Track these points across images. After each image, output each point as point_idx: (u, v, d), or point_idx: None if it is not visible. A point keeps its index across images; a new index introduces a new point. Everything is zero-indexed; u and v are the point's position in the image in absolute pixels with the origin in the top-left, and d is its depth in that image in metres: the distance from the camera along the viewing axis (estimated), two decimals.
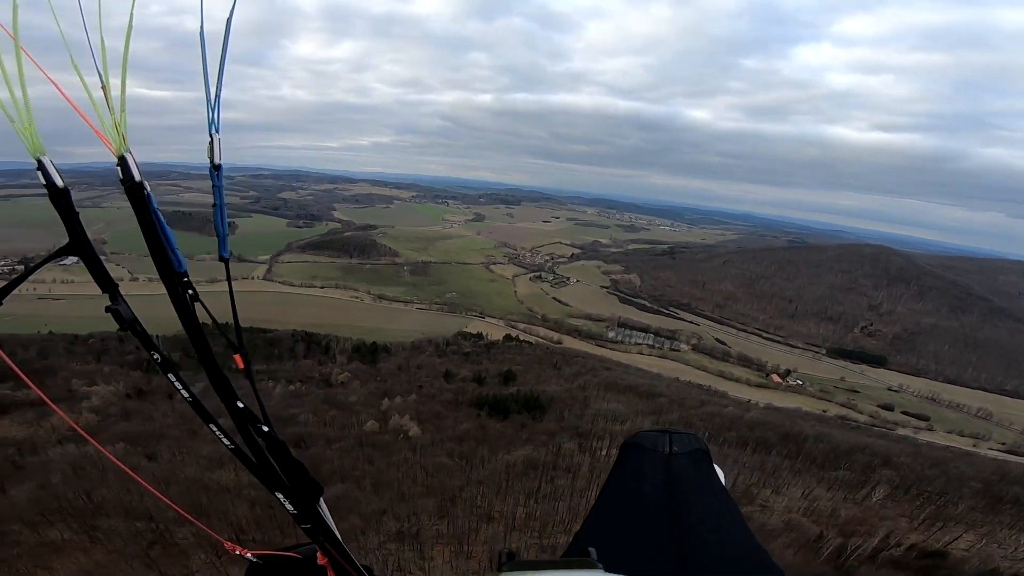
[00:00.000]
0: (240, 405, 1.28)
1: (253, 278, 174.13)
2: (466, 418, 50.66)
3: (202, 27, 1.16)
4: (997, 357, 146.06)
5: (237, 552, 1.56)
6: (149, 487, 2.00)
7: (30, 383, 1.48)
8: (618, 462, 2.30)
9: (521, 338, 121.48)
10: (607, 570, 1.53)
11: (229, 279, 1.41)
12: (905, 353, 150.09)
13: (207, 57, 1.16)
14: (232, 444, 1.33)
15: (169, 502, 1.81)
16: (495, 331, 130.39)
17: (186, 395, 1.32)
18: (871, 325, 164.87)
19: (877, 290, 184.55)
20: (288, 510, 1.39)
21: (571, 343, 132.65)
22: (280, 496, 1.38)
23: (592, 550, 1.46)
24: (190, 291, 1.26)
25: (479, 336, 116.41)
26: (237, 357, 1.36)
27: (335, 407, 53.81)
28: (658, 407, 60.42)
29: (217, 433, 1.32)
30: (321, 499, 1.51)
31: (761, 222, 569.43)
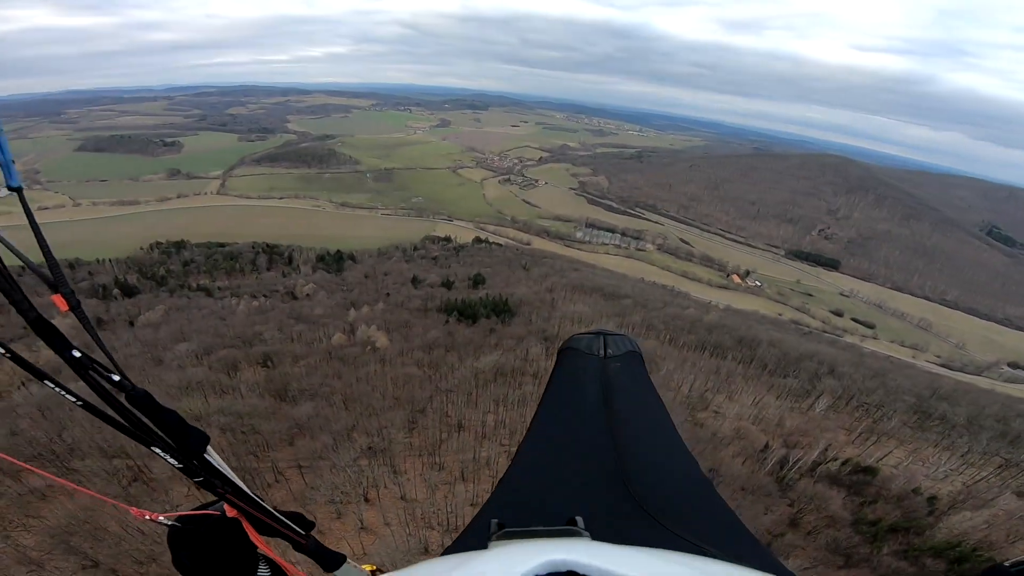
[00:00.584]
0: (76, 354, 1.12)
1: (205, 194, 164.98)
2: (434, 325, 50.86)
3: None
4: (942, 267, 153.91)
5: (146, 517, 1.40)
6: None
7: None
8: (556, 365, 2.32)
9: (491, 240, 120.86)
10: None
11: (27, 210, 1.19)
12: (858, 257, 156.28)
13: None
14: (79, 400, 1.16)
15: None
16: (464, 234, 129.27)
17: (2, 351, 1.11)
18: (828, 228, 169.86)
19: (836, 197, 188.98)
20: (172, 464, 1.26)
21: (540, 244, 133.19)
22: (158, 451, 1.23)
23: (579, 519, 1.43)
24: None
25: (447, 239, 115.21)
26: (56, 298, 1.11)
27: (301, 321, 53.09)
28: (623, 308, 61.99)
29: (56, 389, 1.15)
30: (208, 446, 1.33)
31: (729, 130, 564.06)
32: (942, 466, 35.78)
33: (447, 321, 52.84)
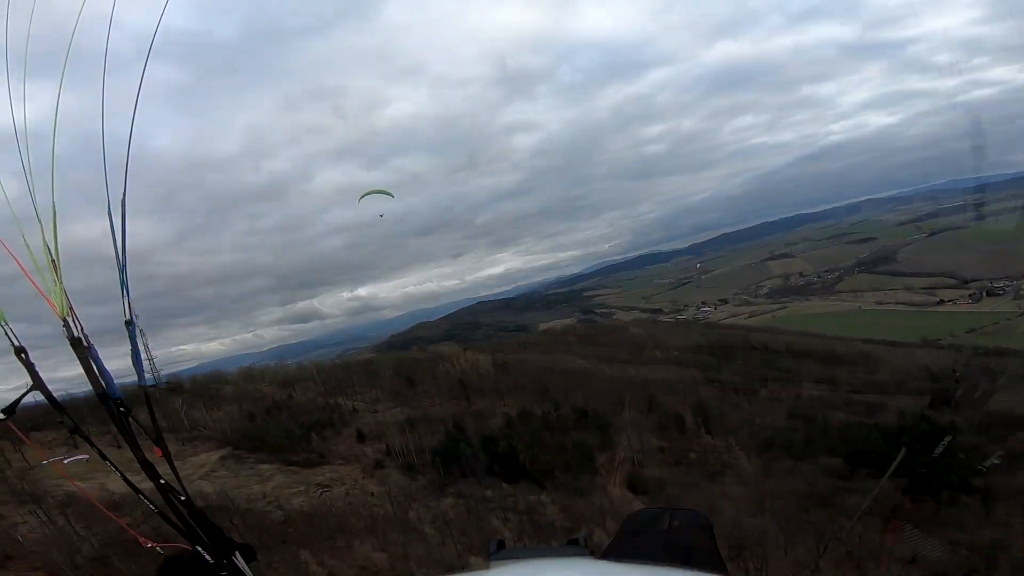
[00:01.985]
0: (162, 481, 1.88)
1: None
2: None
3: (111, 215, 1.87)
4: None
5: (149, 545, 2.03)
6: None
7: None
8: (611, 542, 2.17)
9: None
10: None
11: (148, 400, 2.08)
12: None
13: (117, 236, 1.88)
14: (156, 508, 1.89)
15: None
16: None
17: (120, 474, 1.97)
18: None
19: None
20: (207, 561, 1.79)
21: None
22: (199, 549, 1.81)
23: (581, 537, 1.59)
24: (122, 409, 1.87)
25: None
26: (157, 450, 1.92)
27: None
28: None
29: (145, 501, 1.90)
30: (237, 553, 1.88)
31: None
32: None
33: None
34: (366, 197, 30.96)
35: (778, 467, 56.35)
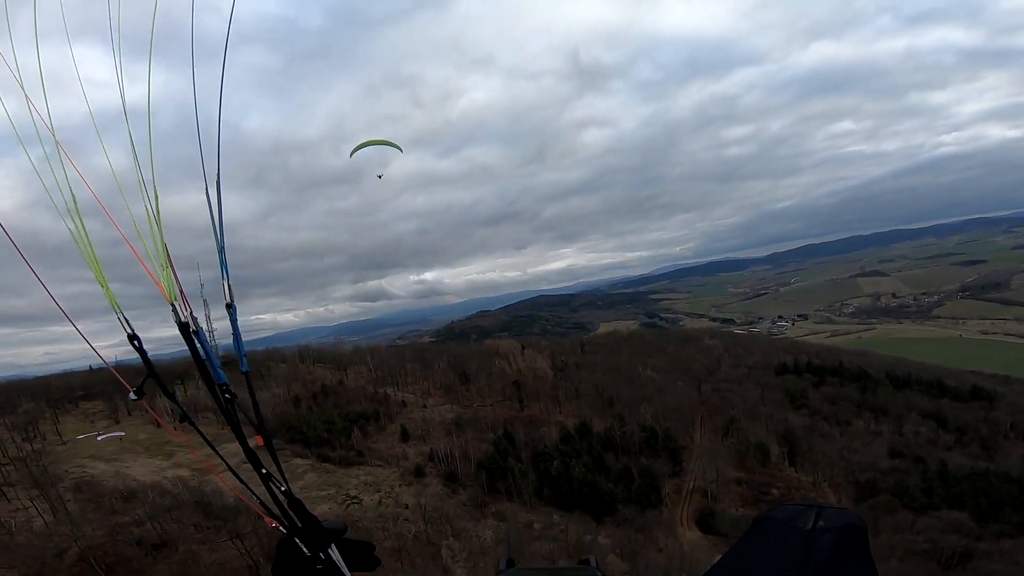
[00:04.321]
0: (263, 471, 1.89)
1: None
2: None
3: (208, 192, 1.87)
4: None
5: (273, 526, 1.96)
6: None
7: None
8: (741, 538, 1.84)
9: None
10: None
11: (250, 386, 2.02)
12: None
13: (215, 212, 1.90)
14: (258, 497, 1.89)
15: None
16: None
17: (226, 464, 2.05)
18: None
19: None
20: (303, 552, 1.83)
21: None
22: (297, 540, 1.85)
23: (592, 558, 1.52)
24: (227, 395, 1.89)
25: None
26: (259, 438, 1.92)
27: None
28: None
29: (251, 492, 1.92)
30: (333, 546, 1.90)
31: None
32: None
33: None
34: (365, 148, 25.09)
35: (889, 519, 46.98)
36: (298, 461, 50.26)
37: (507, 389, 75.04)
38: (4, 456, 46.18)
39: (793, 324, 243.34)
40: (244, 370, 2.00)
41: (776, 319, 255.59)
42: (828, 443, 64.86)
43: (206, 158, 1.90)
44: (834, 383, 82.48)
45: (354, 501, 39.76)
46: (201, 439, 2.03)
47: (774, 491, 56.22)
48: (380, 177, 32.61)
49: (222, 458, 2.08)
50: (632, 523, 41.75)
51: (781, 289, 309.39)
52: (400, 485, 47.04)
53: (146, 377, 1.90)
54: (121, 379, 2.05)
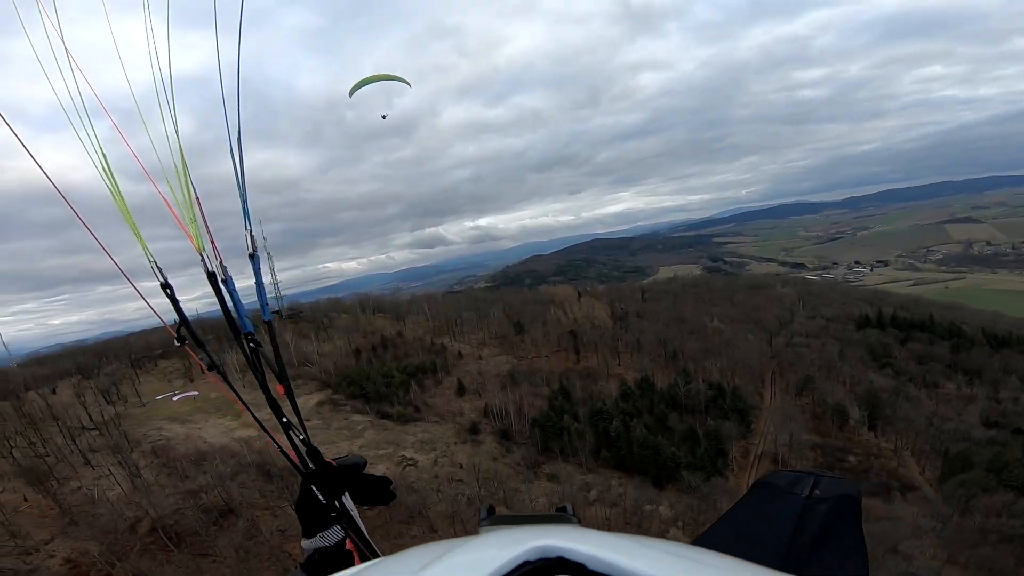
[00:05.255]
0: (284, 419, 2.01)
1: None
2: None
3: (231, 139, 2.01)
4: None
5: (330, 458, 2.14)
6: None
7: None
8: (739, 500, 1.94)
9: None
10: None
11: (273, 336, 2.16)
12: None
13: (239, 166, 2.03)
14: (279, 446, 2.04)
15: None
16: None
17: (250, 411, 2.15)
18: None
19: None
20: (319, 499, 1.95)
21: None
22: (313, 488, 1.96)
23: (569, 505, 1.65)
24: (251, 344, 2.01)
25: None
26: (279, 387, 2.03)
27: None
28: None
29: (272, 439, 2.08)
30: (347, 494, 2.04)
31: None
32: None
33: None
34: (369, 85, 22.16)
35: (983, 499, 42.38)
36: (358, 418, 50.86)
37: (563, 339, 73.03)
38: (90, 421, 48.34)
39: (872, 270, 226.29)
40: (267, 319, 2.13)
41: (853, 264, 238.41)
42: (914, 407, 59.46)
43: (225, 115, 2.00)
44: (922, 340, 75.12)
45: (410, 463, 39.64)
46: (229, 388, 2.09)
47: (851, 458, 52.57)
48: (384, 118, 30.09)
49: (247, 407, 2.11)
50: (696, 491, 39.45)
51: (859, 233, 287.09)
52: (455, 443, 46.79)
53: (179, 326, 2.00)
54: (167, 326, 2.06)
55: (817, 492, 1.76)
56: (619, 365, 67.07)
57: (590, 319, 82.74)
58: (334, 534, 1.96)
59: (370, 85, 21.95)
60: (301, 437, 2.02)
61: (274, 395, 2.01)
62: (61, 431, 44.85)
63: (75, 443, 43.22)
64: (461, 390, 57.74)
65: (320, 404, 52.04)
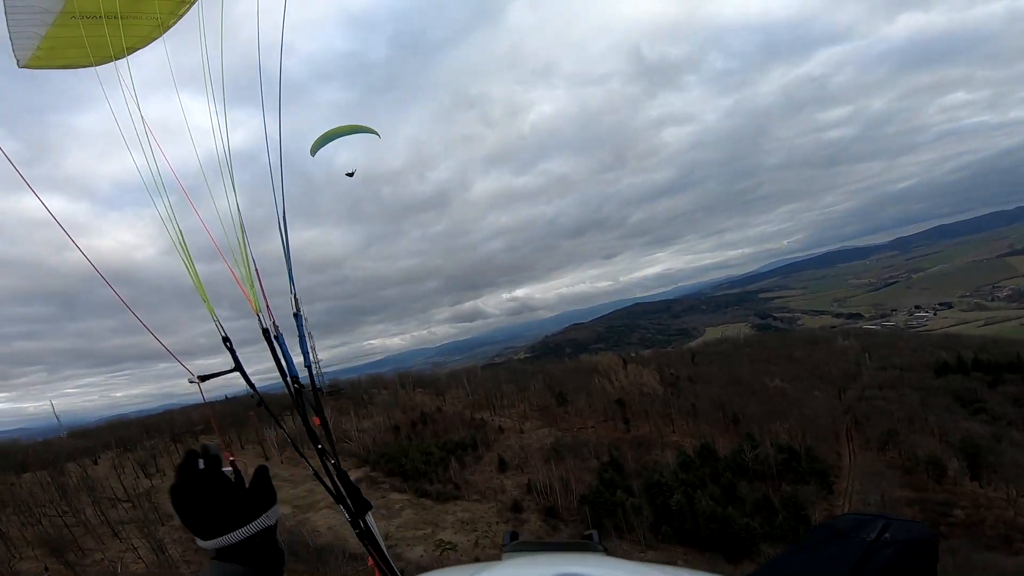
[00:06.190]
0: (319, 447, 2.31)
1: None
2: None
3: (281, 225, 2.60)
4: None
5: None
6: None
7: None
8: (794, 544, 1.64)
9: None
10: None
11: (312, 376, 2.65)
12: None
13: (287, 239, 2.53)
14: (313, 469, 2.32)
15: None
16: None
17: (290, 441, 3.07)
18: None
19: None
20: (346, 518, 2.20)
21: None
22: (342, 507, 2.22)
23: (594, 532, 1.66)
24: (296, 386, 2.36)
25: None
26: (315, 419, 2.36)
27: None
28: None
29: (308, 463, 2.36)
30: (370, 513, 2.26)
31: None
32: None
33: None
34: (335, 140, 19.71)
35: None
36: (396, 496, 48.07)
37: (610, 408, 68.73)
38: (124, 493, 48.29)
39: (935, 314, 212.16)
40: (309, 364, 2.62)
41: (913, 309, 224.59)
42: (1022, 452, 52.65)
43: (273, 191, 2.46)
44: (1015, 381, 67.66)
45: (448, 547, 35.97)
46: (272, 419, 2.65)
47: (957, 511, 46.25)
48: (350, 175, 27.25)
49: (288, 435, 2.56)
50: None
51: (913, 276, 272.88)
52: (497, 523, 42.87)
53: (232, 371, 2.31)
54: (182, 363, 2.32)
55: (886, 536, 1.43)
56: (674, 433, 62.06)
57: (638, 386, 78.29)
58: (260, 524, 1.77)
59: (339, 140, 19.74)
60: (332, 463, 2.30)
61: (312, 427, 2.32)
62: (93, 502, 45.41)
63: (103, 515, 43.57)
64: (503, 466, 53.94)
65: (357, 482, 49.21)
